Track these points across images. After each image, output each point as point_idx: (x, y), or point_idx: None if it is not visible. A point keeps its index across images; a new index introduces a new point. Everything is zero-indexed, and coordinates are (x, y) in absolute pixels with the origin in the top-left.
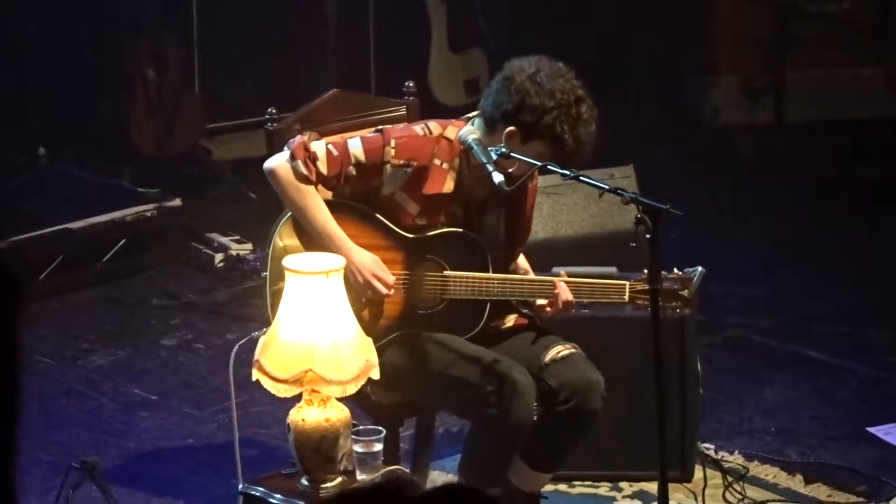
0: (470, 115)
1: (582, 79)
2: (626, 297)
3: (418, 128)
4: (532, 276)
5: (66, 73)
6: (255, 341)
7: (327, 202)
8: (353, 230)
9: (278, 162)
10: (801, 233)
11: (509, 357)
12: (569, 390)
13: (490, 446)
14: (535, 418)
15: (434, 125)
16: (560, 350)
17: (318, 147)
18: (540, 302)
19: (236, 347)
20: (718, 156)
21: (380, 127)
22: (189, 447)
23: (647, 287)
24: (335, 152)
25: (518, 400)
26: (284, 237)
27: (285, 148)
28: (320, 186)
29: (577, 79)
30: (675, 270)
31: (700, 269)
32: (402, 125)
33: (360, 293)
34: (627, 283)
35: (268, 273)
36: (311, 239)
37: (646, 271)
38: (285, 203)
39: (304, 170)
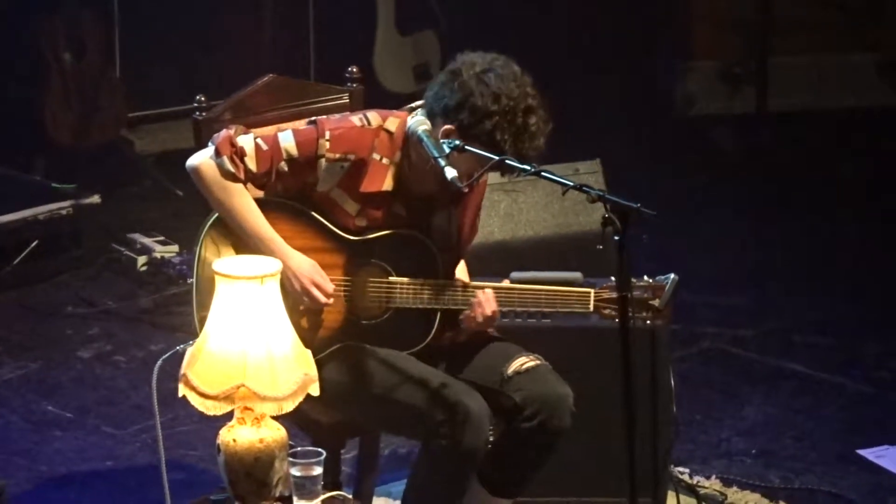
0: (414, 104)
1: (546, 63)
2: (591, 307)
3: (356, 118)
4: (488, 283)
5: None
6: (181, 353)
7: (258, 201)
8: (288, 231)
9: (202, 159)
10: (785, 235)
11: (466, 371)
12: (535, 406)
13: (439, 477)
14: (488, 446)
15: (374, 116)
16: (524, 362)
17: (246, 142)
18: (464, 314)
19: (160, 361)
20: (694, 149)
21: (314, 118)
22: (108, 470)
23: (613, 295)
24: (265, 147)
25: (471, 429)
26: (213, 238)
27: (209, 143)
28: (250, 185)
29: (532, 87)
30: (646, 278)
31: (673, 276)
32: (338, 115)
33: (297, 301)
34: (592, 290)
35: (195, 278)
36: (242, 240)
37: (612, 278)
38: (211, 203)
39: (230, 167)
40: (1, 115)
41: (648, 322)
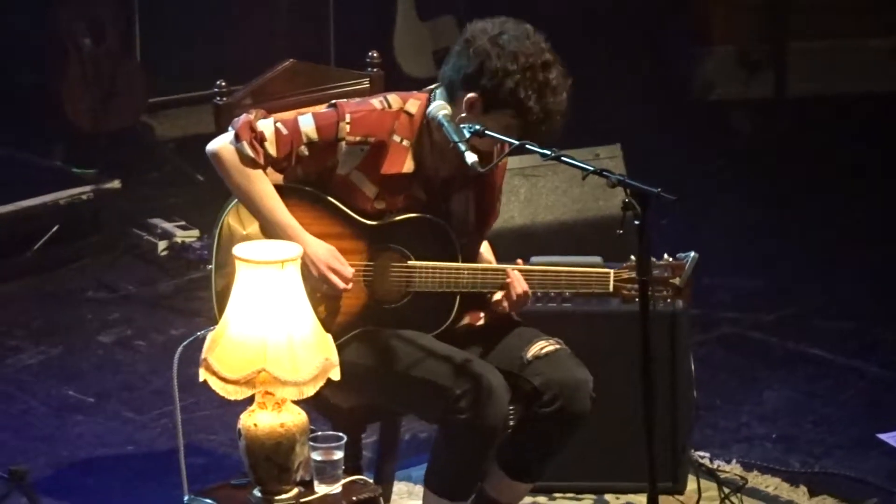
0: (433, 86)
1: (564, 49)
2: (611, 287)
3: (376, 101)
4: (486, 264)
5: None
6: (201, 338)
7: (277, 187)
8: (307, 218)
9: (222, 144)
10: (804, 219)
11: (486, 356)
12: (554, 390)
13: (460, 455)
14: (509, 424)
15: (394, 98)
16: (543, 346)
17: (266, 126)
18: (496, 297)
19: (181, 348)
20: (712, 134)
21: (334, 101)
22: (128, 455)
23: (633, 276)
24: (284, 131)
25: (491, 405)
26: (233, 222)
27: (229, 128)
28: (270, 169)
29: (545, 42)
30: (666, 256)
31: (693, 254)
32: (358, 99)
33: (316, 287)
34: (612, 271)
35: (213, 263)
36: (262, 226)
37: (633, 257)
38: (230, 188)
39: (250, 152)
40: (21, 100)
41: (669, 301)
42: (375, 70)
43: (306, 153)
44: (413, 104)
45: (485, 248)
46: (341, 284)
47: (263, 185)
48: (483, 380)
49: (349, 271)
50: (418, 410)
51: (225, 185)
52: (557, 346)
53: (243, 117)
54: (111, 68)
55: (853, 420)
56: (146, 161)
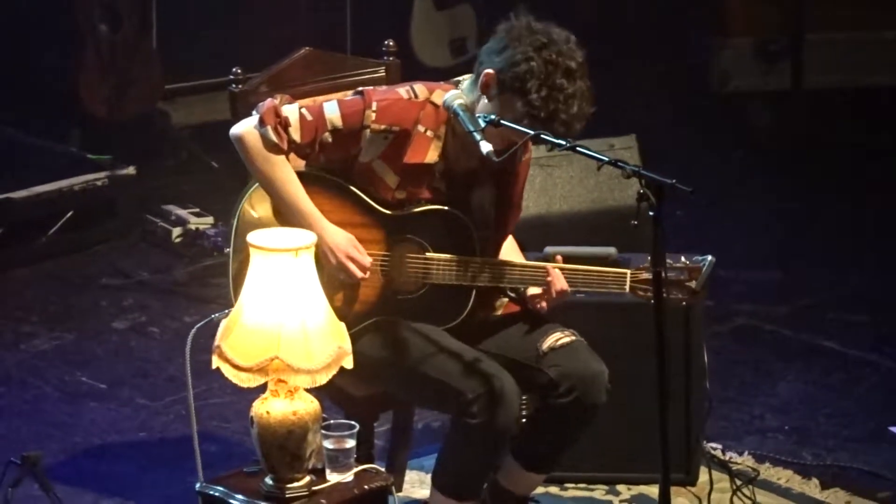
0: (460, 77)
1: (580, 39)
2: (627, 288)
3: (402, 90)
4: (523, 261)
5: (7, 26)
6: (216, 322)
7: (299, 173)
8: (327, 206)
9: (246, 128)
10: (819, 211)
11: (501, 347)
12: (570, 382)
13: (470, 457)
14: (521, 422)
15: (420, 88)
16: (559, 337)
17: (291, 112)
18: (531, 291)
19: (193, 330)
20: (729, 125)
21: (360, 88)
22: (141, 441)
23: (650, 277)
24: (309, 117)
25: (503, 408)
26: (254, 206)
27: (254, 112)
28: (292, 155)
29: (582, 57)
30: (683, 259)
31: (710, 257)
32: (385, 87)
33: (333, 276)
34: (629, 271)
35: (231, 248)
36: (281, 212)
37: (649, 258)
38: (252, 173)
39: (274, 137)
40: (37, 86)
41: (684, 304)
42: (392, 59)
43: (330, 140)
44: (439, 95)
45: (511, 246)
46: (359, 273)
47: (285, 170)
48: (494, 382)
49: (367, 260)
50: (429, 405)
51: (243, 170)
52: (573, 338)
53: (268, 102)
54: (127, 55)
55: (866, 413)
56: (161, 148)
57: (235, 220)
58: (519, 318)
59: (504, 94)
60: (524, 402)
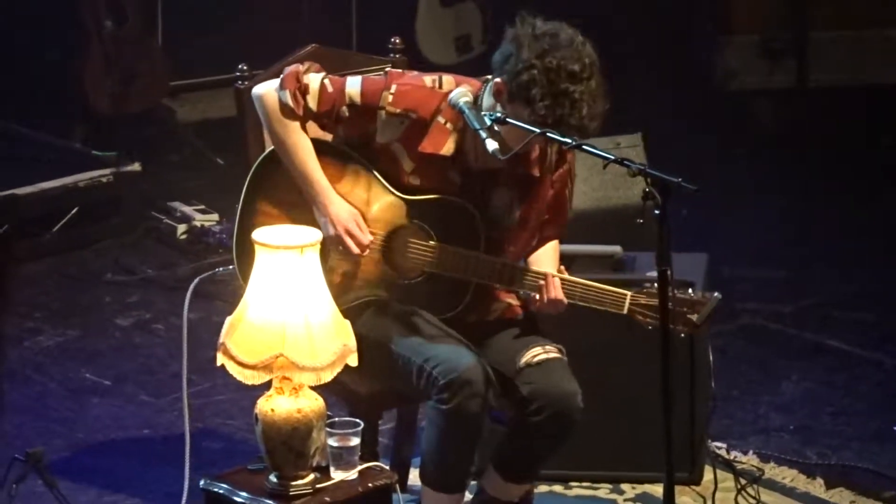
0: (488, 76)
1: (586, 36)
2: (625, 310)
3: (429, 79)
4: (522, 265)
5: (11, 22)
6: (218, 277)
7: (317, 142)
8: (339, 178)
9: (267, 89)
10: (824, 209)
11: (487, 355)
12: (541, 401)
13: (445, 446)
14: (489, 412)
15: (448, 80)
16: (537, 353)
17: (313, 80)
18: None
19: (196, 280)
20: (733, 123)
21: (388, 69)
22: (145, 438)
23: (650, 302)
24: (330, 89)
25: (472, 394)
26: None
27: (280, 74)
28: (313, 124)
29: (590, 59)
30: (690, 291)
31: (717, 294)
32: (414, 73)
33: (330, 246)
34: (629, 293)
35: (237, 217)
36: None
37: (647, 285)
38: (268, 133)
39: (290, 102)
40: (42, 82)
41: (683, 335)
42: (397, 56)
43: (346, 114)
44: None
45: (546, 255)
46: (356, 249)
47: (299, 136)
48: (463, 370)
49: (367, 238)
50: (408, 391)
51: (247, 167)
52: (551, 356)
53: (293, 66)
54: (133, 51)
55: (871, 412)
56: (167, 144)
57: (242, 195)
58: (510, 326)
59: (512, 103)
60: (498, 391)
